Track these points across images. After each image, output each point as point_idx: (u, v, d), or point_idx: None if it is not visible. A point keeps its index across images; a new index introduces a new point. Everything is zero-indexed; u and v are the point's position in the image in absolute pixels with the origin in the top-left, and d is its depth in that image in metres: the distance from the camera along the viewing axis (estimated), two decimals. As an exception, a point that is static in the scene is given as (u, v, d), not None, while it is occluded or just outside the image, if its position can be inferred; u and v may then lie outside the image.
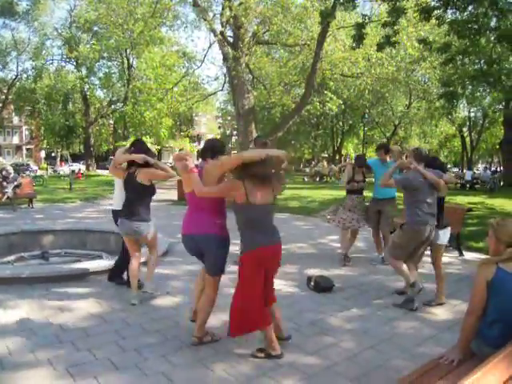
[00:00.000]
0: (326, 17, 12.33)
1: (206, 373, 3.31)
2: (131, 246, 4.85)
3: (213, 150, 3.76)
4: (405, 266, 4.82)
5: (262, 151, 3.43)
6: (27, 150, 60.71)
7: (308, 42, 17.41)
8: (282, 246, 3.58)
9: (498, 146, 35.13)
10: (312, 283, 5.39)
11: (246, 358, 3.55)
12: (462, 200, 16.34)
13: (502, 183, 26.73)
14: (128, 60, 36.09)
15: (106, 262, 6.00)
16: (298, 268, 6.43)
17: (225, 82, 21.72)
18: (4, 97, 38.58)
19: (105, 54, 35.27)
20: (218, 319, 4.23)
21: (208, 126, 65.86)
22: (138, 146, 4.89)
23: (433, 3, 10.77)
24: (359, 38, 11.37)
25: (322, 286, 5.30)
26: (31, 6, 34.38)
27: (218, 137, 62.52)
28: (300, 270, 6.34)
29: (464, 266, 6.86)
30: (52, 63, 39.04)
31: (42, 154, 48.34)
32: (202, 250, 3.71)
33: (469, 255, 7.63)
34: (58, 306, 4.64)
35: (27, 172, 30.46)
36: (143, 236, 4.78)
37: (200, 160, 3.86)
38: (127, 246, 4.91)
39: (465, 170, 34.55)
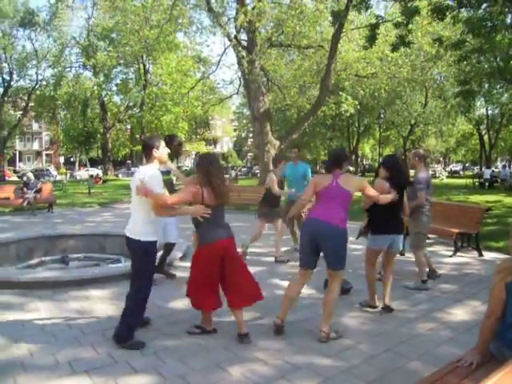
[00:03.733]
0: (339, 18, 12.31)
1: (224, 376, 3.33)
2: None
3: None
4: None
5: None
6: (47, 155, 61.83)
7: (322, 44, 17.39)
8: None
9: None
10: (329, 286, 5.36)
11: (264, 361, 3.56)
12: (479, 199, 16.14)
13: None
14: (144, 66, 36.47)
15: (125, 266, 6.06)
16: (314, 270, 6.41)
17: (240, 86, 21.81)
18: (24, 104, 39.33)
19: (121, 61, 35.68)
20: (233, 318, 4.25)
21: (223, 129, 66.19)
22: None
23: (447, 2, 10.67)
24: (372, 39, 11.33)
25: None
26: (51, 16, 34.99)
27: (234, 139, 62.77)
28: (316, 272, 6.30)
29: (483, 267, 6.77)
30: (70, 70, 39.73)
31: (61, 159, 49.18)
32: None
33: (488, 255, 7.53)
34: (77, 310, 4.71)
35: (47, 177, 30.99)
36: None
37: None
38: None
39: (483, 169, 34.07)
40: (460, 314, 4.66)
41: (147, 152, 3.94)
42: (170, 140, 5.34)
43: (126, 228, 3.96)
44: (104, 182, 31.81)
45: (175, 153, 5.50)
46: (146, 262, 3.88)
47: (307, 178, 7.21)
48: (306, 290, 5.41)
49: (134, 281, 3.91)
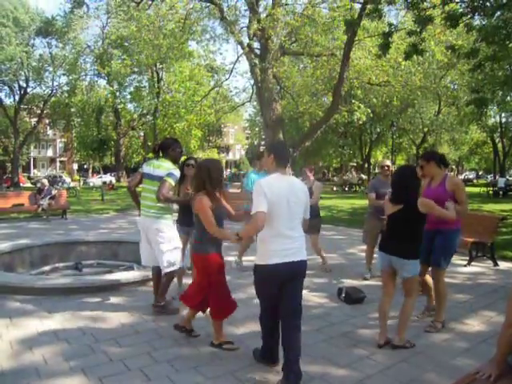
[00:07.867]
0: (351, 26, 12.32)
1: (237, 385, 3.32)
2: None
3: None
4: None
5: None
6: (60, 162, 62.51)
7: (334, 52, 17.39)
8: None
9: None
10: (343, 295, 5.34)
11: (277, 370, 3.53)
12: (494, 208, 15.95)
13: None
14: (158, 74, 36.76)
15: (138, 273, 6.08)
16: (327, 279, 6.38)
17: (253, 93, 21.85)
18: (40, 111, 39.87)
19: (135, 69, 35.98)
20: (247, 328, 4.23)
21: (236, 137, 66.46)
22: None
23: (460, 10, 10.61)
24: (385, 47, 11.30)
25: (353, 298, 5.24)
26: (66, 24, 35.49)
27: (247, 147, 62.94)
28: (330, 280, 6.29)
29: (499, 277, 6.69)
30: (85, 78, 40.17)
31: (75, 166, 49.69)
32: None
33: (503, 265, 7.44)
34: (91, 317, 4.73)
35: (61, 184, 31.27)
36: None
37: None
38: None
39: (497, 177, 33.70)
40: (475, 324, 4.59)
41: (287, 158, 3.45)
42: (176, 144, 4.96)
43: (296, 253, 3.31)
44: (114, 189, 32.01)
45: (178, 159, 5.05)
46: None
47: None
48: (317, 299, 5.40)
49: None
